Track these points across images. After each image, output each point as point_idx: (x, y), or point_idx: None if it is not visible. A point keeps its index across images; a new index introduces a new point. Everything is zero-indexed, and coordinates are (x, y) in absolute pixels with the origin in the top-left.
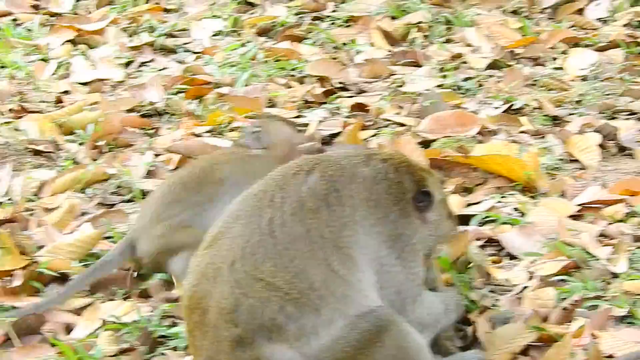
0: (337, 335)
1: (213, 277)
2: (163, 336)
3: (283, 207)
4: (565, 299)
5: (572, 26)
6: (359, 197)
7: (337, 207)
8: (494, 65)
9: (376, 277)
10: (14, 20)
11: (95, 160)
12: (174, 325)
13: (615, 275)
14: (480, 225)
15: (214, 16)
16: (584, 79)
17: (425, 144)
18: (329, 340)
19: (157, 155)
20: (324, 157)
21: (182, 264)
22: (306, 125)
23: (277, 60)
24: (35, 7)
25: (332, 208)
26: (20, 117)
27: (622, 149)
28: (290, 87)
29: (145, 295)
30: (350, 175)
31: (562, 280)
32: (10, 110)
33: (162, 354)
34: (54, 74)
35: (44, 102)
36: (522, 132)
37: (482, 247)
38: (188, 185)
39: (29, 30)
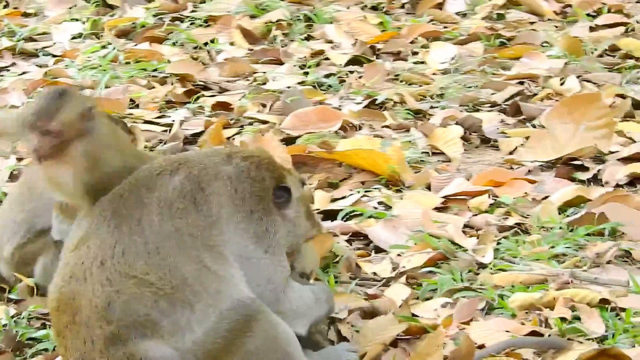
0: (211, 326)
1: (83, 277)
2: (32, 339)
3: (150, 207)
4: (434, 290)
5: (432, 20)
6: (224, 195)
7: (204, 206)
8: (355, 61)
9: (244, 272)
10: None
11: None
12: (43, 327)
13: (482, 266)
14: (346, 220)
15: (73, 19)
16: (445, 72)
17: (289, 140)
18: (203, 333)
19: (20, 159)
20: (186, 157)
21: (41, 269)
22: (169, 125)
23: (138, 62)
24: None
25: (199, 207)
26: None
27: (486, 141)
28: (152, 87)
29: (13, 299)
30: (215, 174)
31: (430, 272)
32: None
33: (32, 356)
34: None
35: None
36: (385, 126)
37: (349, 241)
38: (20, 199)
39: None
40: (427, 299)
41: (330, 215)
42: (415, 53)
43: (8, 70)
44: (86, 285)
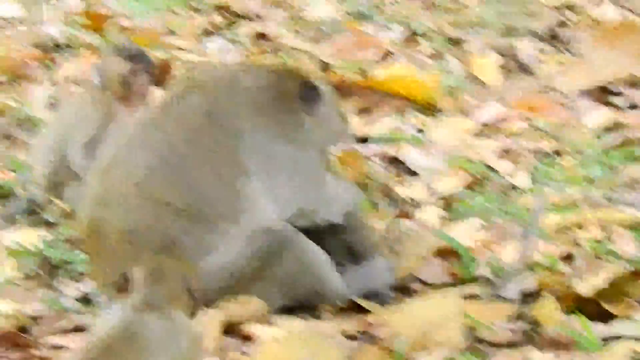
0: (238, 250)
1: (107, 202)
2: (65, 262)
3: (168, 130)
4: (469, 214)
5: None
6: (244, 108)
7: (224, 121)
8: None
9: (275, 176)
10: None
11: None
12: (74, 250)
13: (516, 189)
14: (381, 146)
15: None
16: (483, 0)
17: (325, 68)
18: (229, 255)
19: (57, 87)
20: (201, 75)
21: (70, 195)
22: (207, 54)
23: None
24: None
25: (218, 123)
26: None
27: (522, 68)
28: (189, 17)
29: (47, 222)
30: (231, 88)
31: (464, 195)
32: None
33: (63, 279)
34: None
35: None
36: (422, 54)
37: (384, 166)
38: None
39: None
40: (461, 222)
41: (364, 140)
42: None
43: (47, 1)
44: (111, 211)
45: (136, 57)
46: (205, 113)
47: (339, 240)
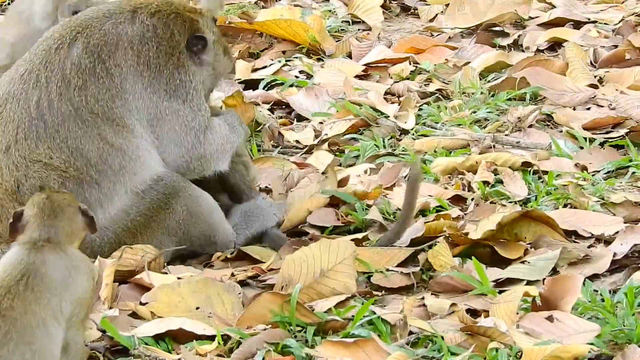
0: (128, 204)
1: None
2: None
3: (49, 87)
4: (356, 157)
5: None
6: (127, 64)
7: (105, 79)
8: None
9: (161, 132)
10: None
11: None
12: None
13: (404, 132)
14: (267, 89)
15: None
16: None
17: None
18: (118, 210)
19: None
20: (86, 22)
21: None
22: None
23: None
24: None
25: (100, 81)
26: None
27: (406, 9)
28: None
29: None
30: (116, 42)
31: (352, 139)
32: None
33: None
34: None
35: None
36: None
37: (271, 110)
38: None
39: None
40: (350, 166)
41: (251, 85)
42: None
43: None
44: None
45: None
46: (88, 71)
47: (222, 179)
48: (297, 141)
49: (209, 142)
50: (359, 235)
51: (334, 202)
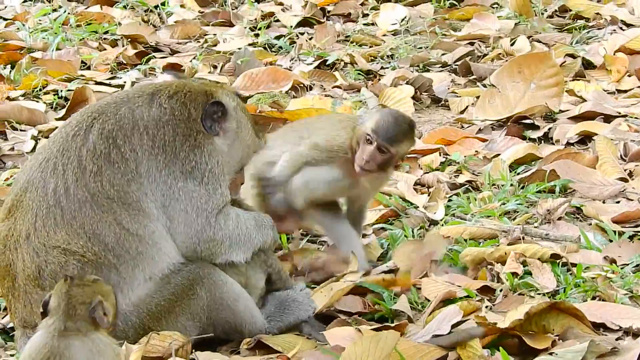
0: (152, 289)
1: (14, 247)
2: None
3: (65, 174)
4: (388, 245)
5: None
6: (142, 148)
7: (120, 164)
8: (305, 23)
9: (174, 214)
10: None
11: None
12: None
13: (433, 222)
14: None
15: None
16: (395, 33)
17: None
18: (141, 295)
19: None
20: (103, 108)
21: None
22: (121, 86)
23: (89, 24)
24: None
25: (115, 166)
26: None
27: (436, 100)
28: (103, 49)
29: None
30: (132, 127)
31: (381, 228)
32: None
33: None
34: None
35: None
36: (335, 86)
37: None
38: None
39: None
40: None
41: None
42: (365, 15)
43: None
44: (18, 255)
45: None
46: (104, 157)
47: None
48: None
49: (219, 227)
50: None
51: (362, 291)
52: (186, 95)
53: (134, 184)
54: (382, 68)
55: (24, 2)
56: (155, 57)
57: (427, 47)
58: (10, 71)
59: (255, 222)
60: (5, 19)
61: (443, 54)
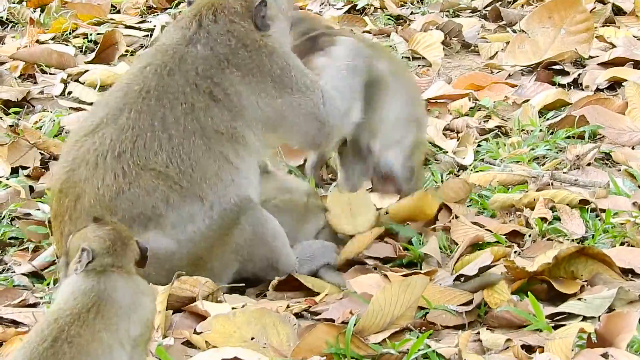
0: (212, 217)
1: (94, 163)
2: (13, 237)
3: (173, 108)
4: None
5: None
6: (236, 80)
7: (224, 100)
8: None
9: (282, 130)
10: None
11: None
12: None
13: (462, 167)
14: None
15: None
16: None
17: None
18: (202, 226)
19: (1, 63)
20: (179, 49)
21: None
22: (150, 30)
23: None
24: None
25: (220, 103)
26: None
27: (466, 46)
28: None
29: None
30: (218, 63)
31: None
32: None
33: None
34: None
35: None
36: (365, 31)
37: None
38: None
39: None
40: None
41: None
42: None
43: None
44: (96, 173)
45: None
46: (208, 94)
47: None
48: None
49: (331, 117)
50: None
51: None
52: (228, 11)
53: (240, 119)
54: (412, 13)
55: None
56: (185, 1)
57: None
58: (40, 14)
59: (343, 73)
60: None
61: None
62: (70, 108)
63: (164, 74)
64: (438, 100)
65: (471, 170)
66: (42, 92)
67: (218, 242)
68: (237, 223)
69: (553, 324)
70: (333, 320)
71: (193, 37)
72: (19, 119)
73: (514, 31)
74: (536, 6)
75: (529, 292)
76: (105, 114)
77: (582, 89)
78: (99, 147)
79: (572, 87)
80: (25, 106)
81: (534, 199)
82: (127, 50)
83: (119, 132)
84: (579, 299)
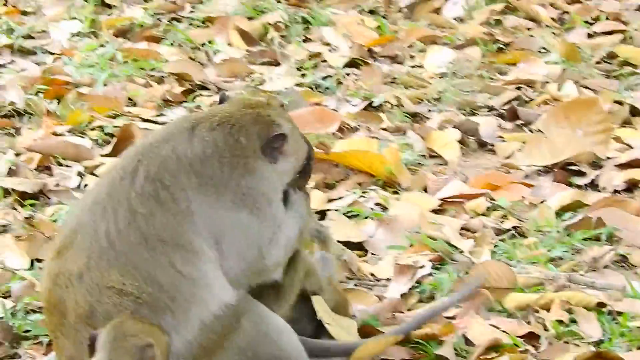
0: (204, 327)
1: (65, 285)
2: (28, 331)
3: (116, 218)
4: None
5: (429, 25)
6: (191, 185)
7: (171, 205)
8: (352, 64)
9: (224, 245)
10: None
11: None
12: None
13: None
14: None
15: (72, 18)
16: (442, 76)
17: None
18: (195, 333)
19: (17, 154)
20: (146, 149)
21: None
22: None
23: (136, 61)
24: None
25: (165, 207)
26: None
27: (483, 145)
28: (149, 86)
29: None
30: (176, 166)
31: (428, 274)
32: None
33: (28, 348)
34: None
35: None
36: (382, 128)
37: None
38: None
39: None
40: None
41: (325, 215)
42: (412, 57)
43: (6, 67)
44: (69, 293)
45: None
46: (153, 199)
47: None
48: (373, 274)
49: (270, 256)
50: None
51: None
52: (233, 127)
53: (186, 223)
54: (429, 111)
55: (71, 37)
56: (202, 95)
57: (474, 90)
58: (57, 106)
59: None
60: (52, 54)
61: (490, 98)
62: None
63: (117, 180)
64: (454, 200)
65: None
66: (58, 185)
67: (217, 347)
68: (237, 327)
69: None
70: None
71: (172, 137)
72: (35, 212)
73: (531, 130)
74: (554, 105)
75: None
76: (65, 235)
77: (599, 190)
78: (64, 270)
79: (589, 188)
80: (41, 198)
81: (551, 301)
82: None
83: (75, 254)
84: None
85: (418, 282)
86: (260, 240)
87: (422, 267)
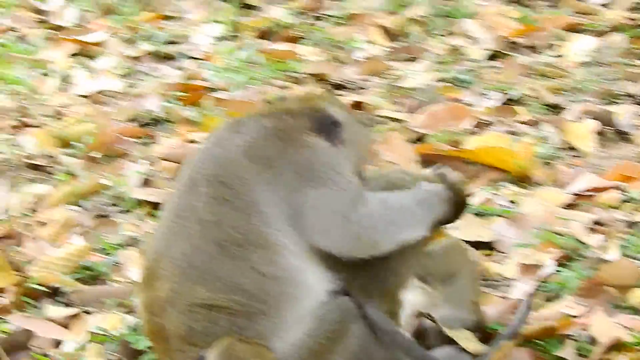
0: (308, 328)
1: (160, 313)
2: (150, 347)
3: (189, 235)
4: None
5: (574, 13)
6: (249, 173)
7: (235, 200)
8: (494, 56)
9: (301, 229)
10: (18, 36)
11: (90, 171)
12: None
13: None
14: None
15: (214, 21)
16: (584, 65)
17: (421, 139)
18: (298, 336)
19: (151, 164)
20: (198, 157)
21: None
22: None
23: (277, 62)
24: (41, 21)
25: (231, 205)
26: (19, 132)
27: (621, 134)
28: (287, 88)
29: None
30: (229, 159)
31: (555, 272)
32: (12, 126)
33: None
34: (55, 87)
35: (44, 116)
36: (518, 122)
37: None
38: None
39: (33, 45)
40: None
41: None
42: (553, 46)
43: (148, 74)
44: (166, 320)
45: None
46: (218, 201)
47: None
48: (499, 274)
49: (359, 217)
50: None
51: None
52: (282, 113)
53: (255, 218)
54: (569, 102)
55: (213, 41)
56: (340, 95)
57: (616, 79)
58: (194, 113)
59: (414, 197)
60: (193, 58)
61: (631, 85)
62: None
63: (180, 198)
64: (587, 193)
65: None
66: None
67: (328, 352)
68: (346, 330)
69: None
70: None
71: (219, 137)
72: None
73: None
74: None
75: None
76: (148, 267)
77: None
78: (156, 300)
79: None
80: None
81: None
82: None
83: (162, 283)
84: None
85: (544, 281)
86: (339, 206)
87: (546, 265)
